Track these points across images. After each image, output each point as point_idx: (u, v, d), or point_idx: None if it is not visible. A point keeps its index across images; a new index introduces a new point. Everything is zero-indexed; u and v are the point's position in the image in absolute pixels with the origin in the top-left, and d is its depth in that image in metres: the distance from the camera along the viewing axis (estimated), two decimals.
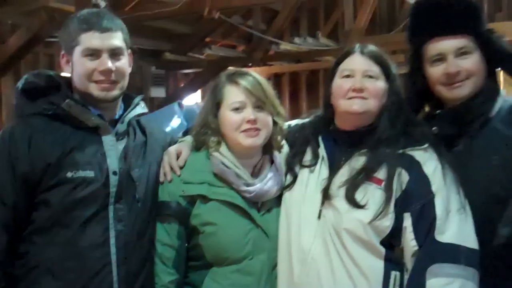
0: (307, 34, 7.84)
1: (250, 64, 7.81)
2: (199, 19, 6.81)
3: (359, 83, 1.88)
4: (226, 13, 5.95)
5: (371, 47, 1.96)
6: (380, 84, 1.90)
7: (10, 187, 1.83)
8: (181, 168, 1.99)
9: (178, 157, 2.01)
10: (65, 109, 1.88)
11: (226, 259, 1.93)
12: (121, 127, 1.98)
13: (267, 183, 1.97)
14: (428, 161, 1.83)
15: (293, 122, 2.19)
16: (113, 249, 1.87)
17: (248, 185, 1.95)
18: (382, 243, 1.81)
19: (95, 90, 1.91)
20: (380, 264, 1.80)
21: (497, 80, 1.99)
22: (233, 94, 1.98)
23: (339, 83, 1.92)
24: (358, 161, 1.87)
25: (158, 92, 7.72)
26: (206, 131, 2.02)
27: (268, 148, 2.04)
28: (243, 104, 1.96)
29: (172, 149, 2.04)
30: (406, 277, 1.81)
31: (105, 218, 1.87)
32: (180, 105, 5.24)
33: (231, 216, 1.94)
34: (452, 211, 1.78)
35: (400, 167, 1.82)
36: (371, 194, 1.82)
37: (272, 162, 2.04)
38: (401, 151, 1.85)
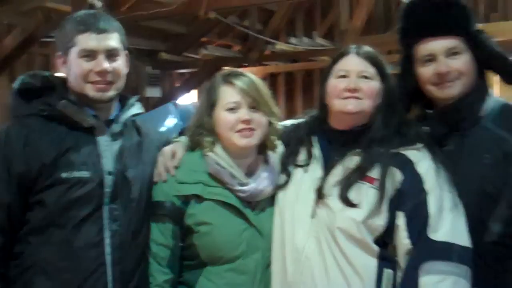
0: (303, 34, 7.86)
1: (246, 64, 7.81)
2: (195, 19, 6.81)
3: (354, 83, 1.89)
4: (222, 13, 5.96)
5: (367, 48, 1.98)
6: (375, 85, 1.92)
7: (5, 188, 1.84)
8: (176, 168, 2.00)
9: (173, 157, 2.02)
10: (60, 109, 1.88)
11: (220, 258, 1.94)
12: (116, 128, 1.98)
13: (261, 182, 1.98)
14: (421, 160, 1.85)
15: (288, 122, 2.20)
16: (108, 249, 1.88)
17: (242, 184, 1.96)
18: (376, 241, 1.82)
19: (91, 90, 1.92)
20: (373, 262, 1.81)
21: (487, 80, 2.01)
22: (228, 95, 1.99)
23: (334, 83, 1.94)
24: (352, 160, 1.89)
25: (153, 92, 7.72)
26: (201, 131, 2.02)
27: (263, 148, 2.05)
28: (238, 104, 1.97)
29: (167, 149, 2.05)
30: (399, 274, 1.83)
31: (100, 218, 1.88)
32: (175, 105, 5.24)
33: (226, 216, 1.94)
34: (445, 210, 1.79)
35: (394, 166, 1.84)
36: (365, 193, 1.83)
37: (266, 161, 2.05)
38: (394, 150, 1.87)
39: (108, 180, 1.90)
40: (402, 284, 1.80)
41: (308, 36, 7.48)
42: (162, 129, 4.54)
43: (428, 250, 1.77)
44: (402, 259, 1.82)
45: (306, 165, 1.98)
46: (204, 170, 1.97)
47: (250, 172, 2.02)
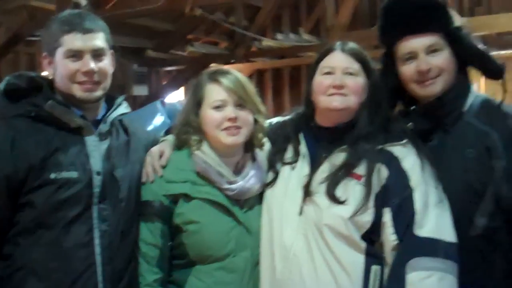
0: (289, 30, 7.86)
1: (232, 61, 7.81)
2: (180, 16, 6.79)
3: (339, 80, 1.90)
4: (208, 10, 5.95)
5: (352, 45, 1.99)
6: (360, 81, 1.93)
7: None
8: (163, 167, 2.00)
9: (160, 157, 2.02)
10: (47, 110, 1.88)
11: (209, 256, 1.95)
12: (104, 128, 1.98)
13: (249, 180, 1.99)
14: (407, 156, 1.86)
15: (274, 120, 2.21)
16: (97, 249, 1.89)
17: (230, 183, 1.97)
18: (363, 238, 1.83)
19: (78, 91, 1.92)
20: (360, 259, 1.83)
21: (468, 75, 2.03)
22: (214, 93, 2.00)
23: (320, 80, 1.95)
24: (338, 157, 1.90)
25: (140, 90, 7.70)
26: (187, 129, 2.03)
27: (250, 146, 2.06)
28: (224, 102, 1.98)
29: (155, 149, 2.05)
30: (386, 271, 1.84)
31: (89, 218, 1.88)
32: (162, 103, 5.23)
33: (214, 214, 1.95)
34: (430, 205, 1.81)
35: (380, 162, 1.85)
36: (351, 190, 1.84)
37: (254, 159, 2.06)
38: (380, 147, 1.88)
39: (97, 180, 1.90)
40: (389, 280, 1.82)
41: (295, 32, 7.48)
42: (150, 127, 4.53)
43: (414, 246, 1.79)
44: (389, 256, 1.83)
45: (293, 162, 1.99)
46: (192, 169, 1.98)
47: (237, 170, 2.03)
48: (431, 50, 1.95)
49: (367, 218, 1.82)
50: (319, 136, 1.98)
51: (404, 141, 1.89)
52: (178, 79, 8.09)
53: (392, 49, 2.03)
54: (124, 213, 1.95)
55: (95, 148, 1.94)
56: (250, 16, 7.86)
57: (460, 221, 1.84)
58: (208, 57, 7.84)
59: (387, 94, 2.01)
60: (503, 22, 6.76)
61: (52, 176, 1.84)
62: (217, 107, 1.98)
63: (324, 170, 1.90)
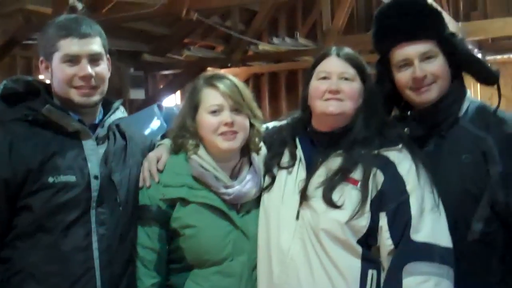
0: (286, 34, 7.88)
1: (229, 65, 7.82)
2: (177, 20, 6.81)
3: (335, 85, 1.91)
4: (204, 14, 5.96)
5: (347, 50, 2.00)
6: (356, 86, 1.94)
7: None
8: (161, 171, 2.01)
9: (157, 162, 2.03)
10: (45, 114, 1.88)
11: (206, 261, 1.95)
12: (101, 132, 1.99)
13: (245, 185, 2.00)
14: (403, 161, 1.87)
15: (271, 124, 2.22)
16: (96, 253, 1.89)
17: (227, 187, 1.98)
18: (359, 242, 1.84)
19: (75, 96, 1.92)
20: (357, 263, 1.83)
21: (463, 81, 2.04)
22: (210, 97, 2.00)
23: (316, 85, 1.95)
24: (335, 161, 1.90)
25: (137, 94, 7.69)
26: (184, 134, 2.04)
27: (246, 150, 2.07)
28: (221, 107, 1.98)
29: (152, 154, 2.06)
30: (383, 275, 1.85)
31: (88, 222, 1.89)
32: (159, 106, 5.23)
33: (211, 218, 1.96)
34: (426, 210, 1.82)
35: (376, 167, 1.86)
36: (348, 194, 1.85)
37: (250, 164, 2.07)
38: (376, 151, 1.89)
39: (95, 184, 1.90)
40: (386, 285, 1.82)
41: (291, 36, 7.50)
42: (147, 131, 4.54)
43: (410, 251, 1.79)
44: (385, 260, 1.84)
45: (289, 166, 1.99)
46: (189, 173, 1.98)
47: (234, 175, 2.04)
48: (426, 57, 1.95)
49: (363, 222, 1.83)
50: (316, 141, 1.99)
51: (400, 146, 1.89)
52: (174, 83, 8.10)
53: (386, 56, 2.03)
54: (122, 217, 1.96)
55: (93, 152, 1.94)
56: (247, 20, 7.89)
57: (457, 226, 1.85)
58: (204, 61, 7.86)
59: (383, 100, 2.02)
60: (499, 27, 6.79)
61: (50, 180, 1.84)
62: (214, 112, 1.99)
63: (321, 174, 1.90)
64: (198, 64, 7.76)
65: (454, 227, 1.84)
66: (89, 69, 1.91)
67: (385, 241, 1.82)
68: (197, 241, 1.94)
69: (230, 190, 1.97)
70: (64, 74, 1.91)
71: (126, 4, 5.45)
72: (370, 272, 1.84)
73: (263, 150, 2.11)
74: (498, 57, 7.99)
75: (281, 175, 2.00)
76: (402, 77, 1.98)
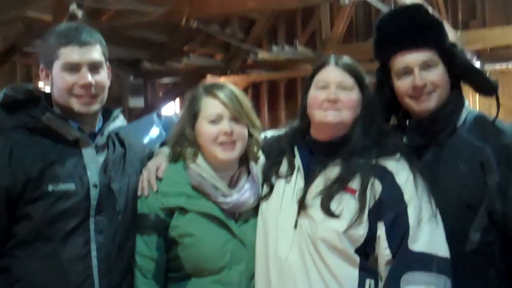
0: (285, 42, 7.90)
1: (228, 73, 7.84)
2: (177, 28, 6.83)
3: (334, 95, 1.91)
4: (204, 22, 5.98)
5: (346, 59, 2.00)
6: (354, 95, 1.94)
7: None
8: (160, 180, 2.01)
9: (157, 171, 2.03)
10: (45, 122, 1.89)
11: (204, 270, 1.95)
12: (100, 140, 1.99)
13: (244, 194, 2.00)
14: (401, 171, 1.87)
15: (269, 133, 2.22)
16: (94, 261, 1.89)
17: (225, 196, 1.98)
18: (357, 251, 1.85)
19: (75, 104, 1.93)
20: (355, 273, 1.84)
21: (462, 91, 2.05)
22: (210, 106, 2.01)
23: (314, 94, 1.96)
24: (333, 171, 1.91)
25: (136, 102, 7.71)
26: (183, 142, 2.04)
27: (245, 159, 2.08)
28: (220, 116, 1.99)
29: (152, 164, 2.06)
30: (380, 285, 1.85)
31: (86, 231, 1.89)
32: (158, 115, 5.24)
33: (209, 227, 1.96)
34: (424, 220, 1.82)
35: (374, 177, 1.86)
36: (346, 204, 1.85)
37: (249, 173, 2.07)
38: (374, 161, 1.89)
39: (94, 192, 1.90)
40: None
41: (290, 45, 7.53)
42: (146, 139, 4.54)
43: (408, 260, 1.80)
44: (383, 270, 1.84)
45: (288, 175, 2.00)
46: (187, 182, 1.99)
47: (232, 184, 2.04)
48: (426, 66, 1.96)
49: (361, 232, 1.83)
50: (314, 150, 1.99)
51: (398, 155, 1.90)
52: (173, 90, 8.12)
53: (387, 64, 2.04)
54: (121, 225, 1.96)
55: (92, 161, 1.95)
56: (246, 29, 7.91)
57: (455, 236, 1.85)
58: (203, 69, 7.88)
59: (382, 108, 2.03)
60: (497, 36, 6.82)
61: (50, 188, 1.84)
62: (213, 121, 1.99)
63: (319, 183, 1.91)
64: (197, 72, 7.78)
65: (452, 237, 1.84)
66: (89, 78, 1.91)
67: (383, 251, 1.83)
68: (195, 250, 1.95)
69: (228, 199, 1.98)
70: (64, 82, 1.91)
71: (126, 12, 5.47)
72: (367, 281, 1.84)
73: (262, 159, 2.11)
74: (497, 66, 8.01)
75: (279, 184, 2.00)
76: (402, 85, 1.99)
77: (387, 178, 1.86)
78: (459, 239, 1.86)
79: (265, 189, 2.04)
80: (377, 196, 1.85)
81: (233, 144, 1.99)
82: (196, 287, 1.96)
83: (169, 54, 7.64)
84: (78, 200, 1.87)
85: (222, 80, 7.21)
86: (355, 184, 1.87)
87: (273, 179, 2.03)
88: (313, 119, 1.97)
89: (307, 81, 2.03)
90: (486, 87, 2.01)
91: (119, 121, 2.07)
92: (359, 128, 1.93)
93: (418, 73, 1.95)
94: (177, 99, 8.25)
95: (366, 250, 1.86)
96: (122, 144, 2.09)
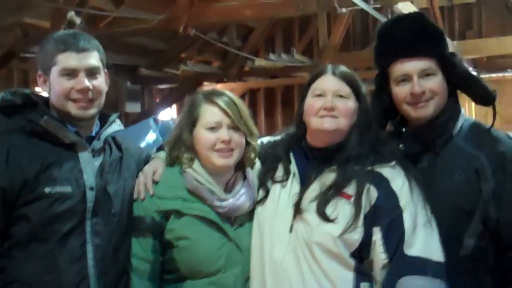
0: (282, 50, 7.93)
1: (225, 80, 7.85)
2: (174, 35, 6.84)
3: (330, 103, 1.93)
4: (201, 30, 6.00)
5: (342, 68, 2.02)
6: (350, 104, 1.96)
7: None
8: (156, 183, 2.02)
9: (153, 175, 2.04)
10: (42, 125, 1.90)
11: (200, 272, 1.96)
12: (97, 144, 2.01)
13: (239, 198, 2.01)
14: (396, 177, 1.89)
15: (265, 139, 2.24)
16: (90, 263, 1.90)
17: (221, 200, 1.99)
18: (352, 256, 1.86)
19: (73, 108, 1.94)
20: (350, 276, 1.85)
21: (458, 100, 2.07)
22: (209, 114, 2.02)
23: (311, 102, 1.98)
24: (329, 177, 1.92)
25: (133, 107, 7.71)
26: (180, 147, 2.05)
27: (241, 164, 2.09)
28: (219, 124, 2.00)
29: (148, 168, 2.08)
30: None
31: (83, 233, 1.90)
32: (155, 120, 5.24)
33: (205, 231, 1.97)
34: (419, 226, 1.84)
35: (369, 183, 1.88)
36: (341, 209, 1.87)
37: (244, 178, 2.08)
38: (369, 168, 1.91)
39: (90, 195, 1.92)
40: None
41: (287, 52, 7.55)
42: (142, 144, 4.54)
43: (404, 265, 1.81)
44: (378, 274, 1.86)
45: (283, 181, 2.01)
46: (183, 186, 2.00)
47: (228, 188, 2.05)
48: (425, 74, 1.98)
49: (356, 236, 1.85)
50: (310, 156, 2.01)
51: (393, 162, 1.92)
52: (170, 97, 8.12)
53: (386, 70, 2.06)
54: (117, 227, 1.97)
55: (89, 164, 1.96)
56: (243, 36, 7.94)
57: (449, 242, 1.87)
58: (201, 75, 7.89)
59: (379, 114, 2.05)
60: (494, 46, 6.86)
61: (47, 190, 1.85)
62: (212, 128, 2.00)
63: (315, 189, 1.92)
64: (194, 78, 7.79)
65: (447, 243, 1.86)
66: (87, 83, 1.93)
67: (379, 255, 1.84)
68: (190, 252, 1.95)
69: (224, 203, 1.99)
70: (61, 88, 1.93)
71: (124, 19, 5.49)
72: (362, 285, 1.85)
73: (258, 164, 2.13)
74: (493, 75, 8.05)
75: (275, 189, 2.02)
76: (400, 91, 2.01)
77: (383, 184, 1.88)
78: (454, 245, 1.88)
79: (261, 193, 2.05)
80: (372, 202, 1.87)
81: (231, 152, 2.00)
82: None
83: (166, 61, 7.66)
84: (75, 202, 1.89)
85: (219, 86, 7.23)
86: (350, 189, 1.89)
87: (269, 184, 2.04)
88: (309, 126, 1.98)
89: (304, 89, 2.05)
90: (484, 97, 2.02)
91: (116, 126, 2.09)
92: (355, 136, 1.95)
93: (417, 81, 1.97)
94: (174, 105, 8.26)
95: (361, 254, 1.87)
96: (119, 147, 2.10)
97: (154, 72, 7.71)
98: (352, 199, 1.87)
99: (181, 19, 5.13)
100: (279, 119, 8.99)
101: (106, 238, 1.94)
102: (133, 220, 2.00)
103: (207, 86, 7.76)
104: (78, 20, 4.69)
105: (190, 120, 2.06)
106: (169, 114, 8.19)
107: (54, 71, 1.93)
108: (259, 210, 2.04)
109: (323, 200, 1.88)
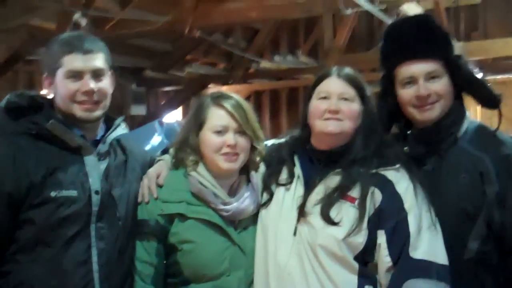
0: (287, 52, 7.92)
1: (230, 82, 7.86)
2: (179, 37, 6.85)
3: (335, 105, 1.93)
4: (207, 32, 6.01)
5: (348, 70, 2.02)
6: (355, 106, 1.96)
7: None
8: (160, 186, 2.02)
9: (157, 178, 2.04)
10: (48, 129, 1.90)
11: (203, 276, 1.96)
12: (102, 148, 2.01)
13: (243, 202, 2.01)
14: (400, 180, 1.89)
15: (270, 142, 2.23)
16: (95, 267, 1.90)
17: (225, 204, 1.99)
18: (356, 259, 1.86)
19: (78, 110, 1.95)
20: (354, 279, 1.85)
21: (464, 102, 2.06)
22: (217, 117, 2.02)
23: (316, 105, 1.97)
24: (333, 180, 1.92)
25: (138, 110, 7.71)
26: (185, 148, 2.05)
27: (245, 168, 2.09)
28: (226, 128, 2.00)
29: (152, 171, 2.08)
30: None
31: (88, 237, 1.90)
32: (160, 122, 5.25)
33: (209, 234, 1.97)
34: (423, 228, 1.84)
35: (373, 186, 1.88)
36: (345, 212, 1.87)
37: (249, 181, 2.08)
38: (374, 170, 1.91)
39: (95, 199, 1.92)
40: None
41: (292, 54, 7.55)
42: (148, 147, 4.55)
43: (409, 268, 1.81)
44: (383, 277, 1.86)
45: (287, 183, 2.01)
46: (187, 189, 2.00)
47: (232, 192, 2.05)
48: (431, 77, 1.98)
49: (360, 239, 1.85)
50: (314, 159, 2.00)
51: (398, 165, 1.91)
52: (176, 99, 8.13)
53: (392, 72, 2.05)
54: (121, 231, 1.97)
55: (94, 168, 1.96)
56: (249, 38, 7.93)
57: (454, 244, 1.87)
58: (206, 77, 7.89)
59: (384, 116, 2.04)
60: (499, 47, 6.84)
61: (53, 194, 1.86)
62: (218, 132, 2.00)
63: (319, 192, 1.92)
64: (199, 80, 7.80)
65: (451, 246, 1.86)
66: (92, 84, 1.93)
67: (384, 258, 1.84)
68: (194, 256, 1.95)
69: (228, 207, 1.99)
70: (67, 90, 1.93)
71: (129, 21, 5.49)
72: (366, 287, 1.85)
73: (262, 167, 2.12)
74: (498, 77, 8.03)
75: (279, 192, 2.02)
76: (406, 94, 2.01)
77: (387, 187, 1.88)
78: (458, 247, 1.87)
79: (265, 196, 2.05)
80: (377, 205, 1.86)
81: (236, 156, 2.00)
82: None
83: (171, 63, 7.67)
84: (80, 206, 1.89)
85: (224, 88, 7.23)
86: (355, 192, 1.89)
87: (273, 187, 2.04)
88: (314, 128, 1.98)
89: (309, 91, 2.04)
90: (490, 100, 2.02)
91: (121, 129, 2.09)
92: (359, 138, 1.95)
93: (423, 83, 1.96)
94: (179, 107, 8.26)
95: (364, 257, 1.87)
96: (123, 150, 2.11)
97: (159, 74, 7.71)
98: (357, 202, 1.87)
99: (186, 21, 5.14)
100: (284, 121, 8.98)
101: (111, 242, 1.94)
102: (137, 224, 2.01)
103: (212, 88, 7.76)
104: (84, 22, 4.70)
105: (197, 122, 2.06)
106: (174, 116, 8.19)
107: (60, 73, 1.94)
108: (263, 213, 2.04)
109: (327, 203, 1.88)
